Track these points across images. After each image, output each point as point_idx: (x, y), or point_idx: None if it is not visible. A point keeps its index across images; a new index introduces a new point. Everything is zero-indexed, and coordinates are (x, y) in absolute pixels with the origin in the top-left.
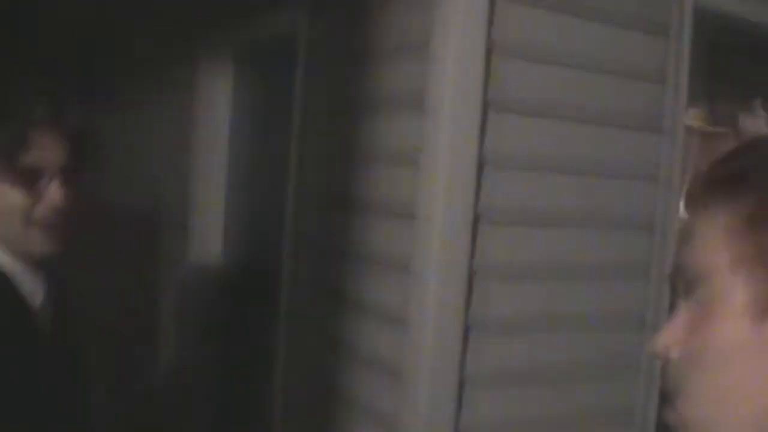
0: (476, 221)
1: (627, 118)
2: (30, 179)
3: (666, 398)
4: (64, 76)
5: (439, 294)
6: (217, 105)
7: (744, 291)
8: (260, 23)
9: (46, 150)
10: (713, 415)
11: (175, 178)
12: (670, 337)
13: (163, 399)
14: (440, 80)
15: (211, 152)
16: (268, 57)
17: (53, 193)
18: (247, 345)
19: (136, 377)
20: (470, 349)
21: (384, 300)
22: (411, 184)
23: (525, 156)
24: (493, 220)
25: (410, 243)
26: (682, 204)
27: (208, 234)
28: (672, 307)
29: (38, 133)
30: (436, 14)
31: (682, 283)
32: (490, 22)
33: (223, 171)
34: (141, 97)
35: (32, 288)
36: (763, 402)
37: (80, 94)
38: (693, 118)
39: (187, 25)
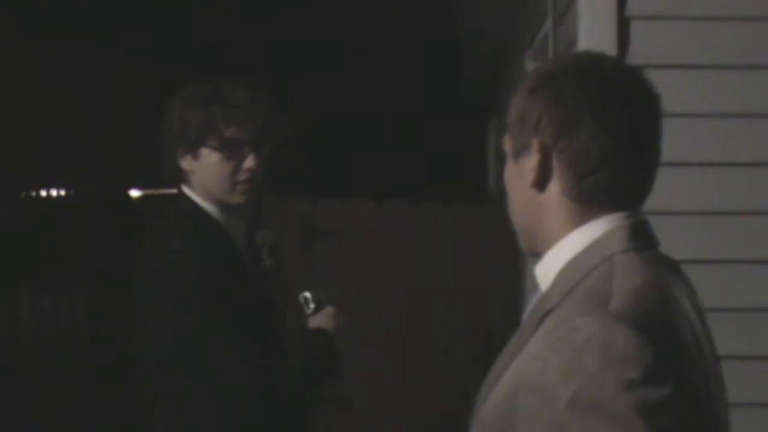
0: None
1: None
2: (232, 149)
3: None
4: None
5: None
6: None
7: None
8: None
9: (243, 127)
10: None
11: None
12: None
13: None
14: None
15: None
16: None
17: (250, 160)
18: None
19: None
20: None
21: None
22: None
23: None
24: None
25: None
26: None
27: None
28: None
29: (239, 114)
30: None
31: None
32: None
33: None
34: None
35: (234, 230)
36: None
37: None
38: None
39: None
